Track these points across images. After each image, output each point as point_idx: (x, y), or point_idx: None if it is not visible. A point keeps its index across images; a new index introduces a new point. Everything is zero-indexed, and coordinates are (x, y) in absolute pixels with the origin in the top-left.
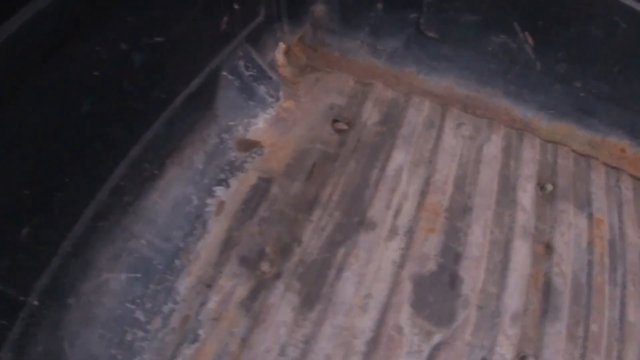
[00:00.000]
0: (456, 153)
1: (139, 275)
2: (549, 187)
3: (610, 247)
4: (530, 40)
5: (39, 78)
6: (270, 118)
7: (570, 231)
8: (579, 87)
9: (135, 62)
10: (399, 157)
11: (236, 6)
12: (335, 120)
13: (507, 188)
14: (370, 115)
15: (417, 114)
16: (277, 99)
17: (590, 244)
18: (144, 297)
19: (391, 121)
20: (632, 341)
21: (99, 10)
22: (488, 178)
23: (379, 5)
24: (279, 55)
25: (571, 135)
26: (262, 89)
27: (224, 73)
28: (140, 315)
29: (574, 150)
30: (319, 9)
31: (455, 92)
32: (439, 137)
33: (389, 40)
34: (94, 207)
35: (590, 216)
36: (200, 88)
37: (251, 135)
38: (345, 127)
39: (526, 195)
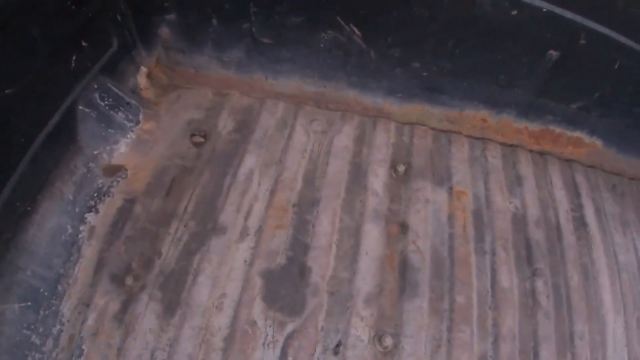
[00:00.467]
0: (306, 149)
1: (29, 303)
2: (401, 168)
3: (475, 217)
4: (357, 31)
5: None
6: (131, 142)
7: (428, 207)
8: (419, 67)
9: None
10: (250, 161)
11: (84, 43)
12: (192, 135)
13: (358, 175)
14: (225, 124)
15: (270, 117)
16: (137, 122)
17: (450, 217)
18: (37, 323)
19: (245, 128)
20: (507, 307)
21: None
22: (338, 168)
23: (214, 21)
24: (141, 78)
25: (425, 114)
26: (120, 116)
27: (81, 107)
28: (35, 339)
29: (433, 129)
30: (165, 31)
31: (304, 91)
32: (290, 137)
33: (231, 52)
34: None
35: (450, 190)
36: (60, 125)
37: (115, 160)
38: (201, 139)
39: (377, 179)
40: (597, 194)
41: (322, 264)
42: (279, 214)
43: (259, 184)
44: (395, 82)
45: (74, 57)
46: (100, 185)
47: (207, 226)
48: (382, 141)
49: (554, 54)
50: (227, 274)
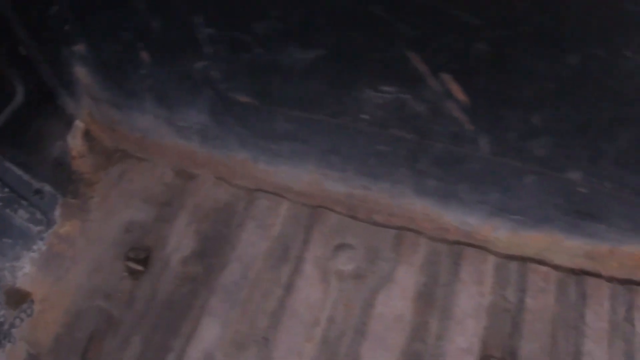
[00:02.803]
0: (320, 316)
1: None
2: None
3: None
4: (457, 90)
5: None
6: (39, 257)
7: None
8: (579, 179)
9: None
10: (210, 334)
11: None
12: (129, 255)
13: None
14: (181, 240)
15: (260, 233)
16: (50, 224)
17: None
18: None
19: (214, 253)
20: None
21: None
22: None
23: (144, 55)
24: (75, 139)
25: (552, 247)
26: (20, 216)
27: None
28: None
29: (556, 268)
30: (81, 72)
31: (326, 190)
32: (290, 285)
33: (187, 112)
34: None
35: None
36: None
37: (21, 283)
38: (140, 267)
39: None
40: None
41: None
42: None
43: None
44: (518, 196)
45: None
46: (1, 320)
47: None
48: (469, 302)
49: None
50: None
